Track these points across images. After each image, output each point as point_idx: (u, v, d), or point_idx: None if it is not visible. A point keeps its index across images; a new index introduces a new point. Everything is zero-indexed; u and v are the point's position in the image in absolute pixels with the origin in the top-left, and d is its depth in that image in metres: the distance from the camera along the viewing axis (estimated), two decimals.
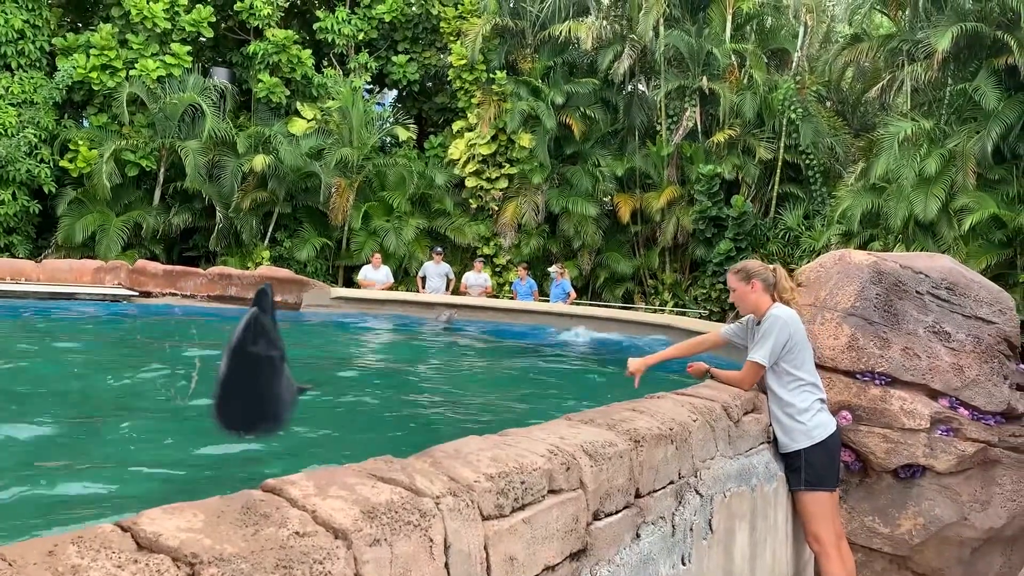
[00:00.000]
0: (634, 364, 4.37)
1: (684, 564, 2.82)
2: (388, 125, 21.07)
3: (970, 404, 4.78)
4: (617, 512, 2.46)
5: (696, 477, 3.02)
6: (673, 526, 2.78)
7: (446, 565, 1.77)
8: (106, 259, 15.02)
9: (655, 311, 18.07)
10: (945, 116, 16.21)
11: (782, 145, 19.06)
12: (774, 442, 4.05)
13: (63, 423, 4.55)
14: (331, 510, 1.63)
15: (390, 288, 14.73)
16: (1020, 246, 14.57)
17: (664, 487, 2.77)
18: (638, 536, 2.56)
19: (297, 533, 1.53)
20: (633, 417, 2.84)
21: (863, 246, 15.86)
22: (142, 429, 4.42)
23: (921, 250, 14.82)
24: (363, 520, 1.63)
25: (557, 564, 2.15)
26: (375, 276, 14.50)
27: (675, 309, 18.81)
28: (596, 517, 2.36)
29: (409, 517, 1.72)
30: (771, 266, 4.09)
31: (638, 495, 2.61)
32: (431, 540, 1.75)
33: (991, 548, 4.95)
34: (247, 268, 16.62)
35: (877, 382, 4.75)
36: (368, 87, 21.64)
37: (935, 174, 15.10)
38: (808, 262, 17.19)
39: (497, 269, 19.90)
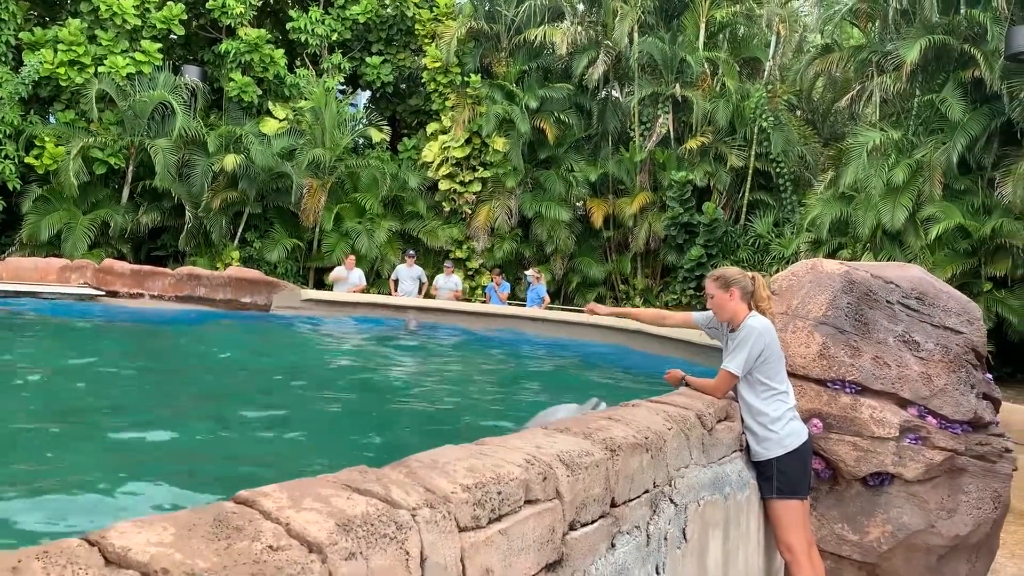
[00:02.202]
0: (598, 307, 4.85)
1: (658, 574, 2.82)
2: (361, 126, 20.96)
3: (938, 413, 4.84)
4: (593, 522, 2.45)
5: (670, 486, 3.02)
6: (648, 535, 2.77)
7: None
8: (72, 258, 14.76)
9: None
10: (913, 127, 16.46)
11: (753, 153, 19.24)
12: (746, 450, 4.06)
13: (20, 429, 4.44)
14: (305, 523, 1.60)
15: (362, 291, 14.62)
16: (984, 256, 14.82)
17: (639, 496, 2.76)
18: (613, 546, 2.55)
19: (270, 547, 1.50)
20: (609, 426, 2.83)
21: (832, 254, 16.05)
22: (104, 435, 4.32)
23: (888, 258, 15.02)
24: (338, 533, 1.60)
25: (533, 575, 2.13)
26: (348, 278, 14.39)
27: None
28: (572, 527, 2.34)
29: (385, 530, 1.69)
30: (750, 274, 4.11)
31: (613, 504, 2.59)
32: (407, 553, 1.72)
33: (957, 555, 5.01)
34: (216, 268, 16.43)
35: (847, 390, 4.79)
36: (341, 88, 21.51)
37: (903, 184, 15.31)
38: (778, 269, 17.35)
39: (470, 273, 19.86)
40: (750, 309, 4.05)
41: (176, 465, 3.91)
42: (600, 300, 20.04)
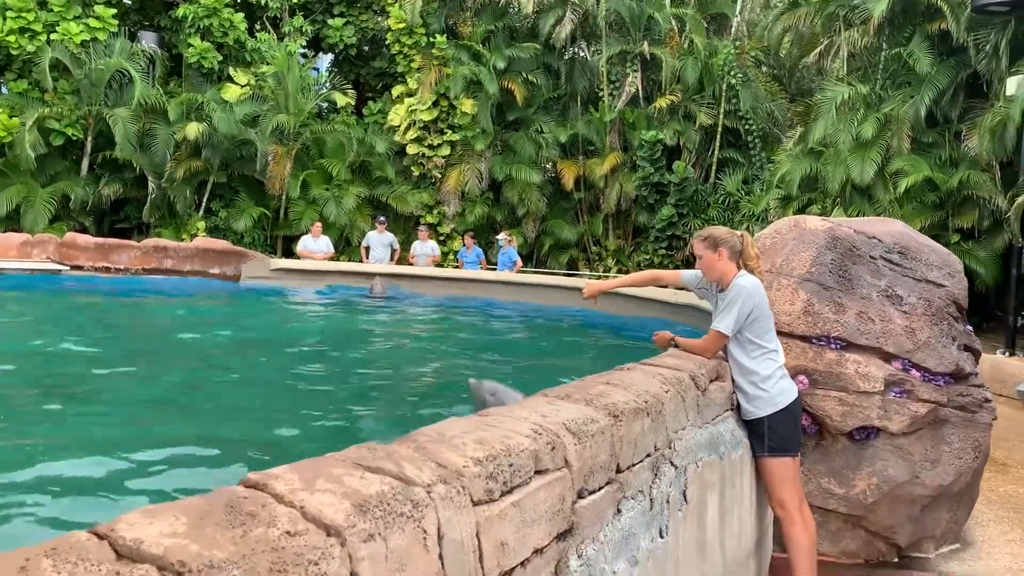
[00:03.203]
0: (590, 288, 4.84)
1: (662, 537, 2.80)
2: (325, 90, 20.55)
3: (921, 366, 4.88)
4: (600, 489, 2.42)
5: (670, 448, 3.00)
6: (651, 499, 2.75)
7: (440, 556, 1.70)
8: (32, 232, 14.38)
9: (599, 278, 18.14)
10: (880, 81, 16.50)
11: (722, 110, 19.20)
12: (737, 409, 4.06)
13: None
14: (320, 505, 1.54)
15: (331, 259, 14.45)
16: (952, 208, 14.99)
17: (642, 460, 2.74)
18: (619, 512, 2.53)
19: (288, 532, 1.43)
20: (609, 391, 2.79)
21: (801, 210, 16.13)
22: (80, 417, 4.21)
23: (858, 213, 15.14)
24: (355, 515, 1.54)
25: (545, 546, 2.09)
26: (315, 247, 14.19)
27: (619, 275, 18.91)
28: (580, 495, 2.31)
29: (401, 508, 1.64)
30: (738, 233, 4.08)
31: (618, 470, 2.56)
32: (424, 531, 1.67)
33: (939, 504, 5.10)
34: (182, 240, 16.13)
35: (832, 346, 4.81)
36: (303, 51, 21.04)
37: (871, 138, 15.39)
38: (748, 226, 17.31)
39: (441, 238, 19.70)
40: (739, 268, 4.02)
41: (154, 445, 3.82)
42: (572, 262, 20.03)
